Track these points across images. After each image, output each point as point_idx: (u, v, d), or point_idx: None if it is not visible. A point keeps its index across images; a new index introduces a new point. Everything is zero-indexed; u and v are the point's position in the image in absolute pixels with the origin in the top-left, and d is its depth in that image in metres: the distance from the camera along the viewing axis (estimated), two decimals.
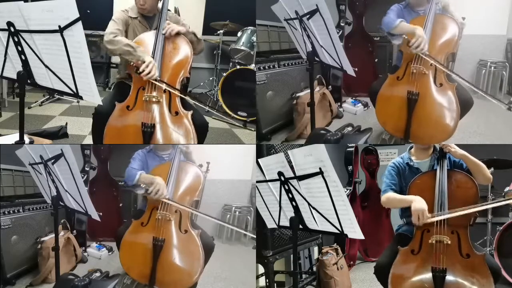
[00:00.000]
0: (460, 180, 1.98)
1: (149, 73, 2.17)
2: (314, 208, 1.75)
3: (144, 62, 2.18)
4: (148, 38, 2.32)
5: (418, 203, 1.90)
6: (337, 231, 1.73)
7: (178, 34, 2.36)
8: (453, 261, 1.87)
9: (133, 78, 2.28)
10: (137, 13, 2.47)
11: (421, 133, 2.39)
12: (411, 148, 2.26)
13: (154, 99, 2.24)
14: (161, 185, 2.20)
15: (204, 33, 5.66)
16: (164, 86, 2.23)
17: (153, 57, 2.23)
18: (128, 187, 2.38)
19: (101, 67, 5.85)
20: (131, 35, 2.43)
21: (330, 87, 3.63)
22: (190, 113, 2.28)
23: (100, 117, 2.33)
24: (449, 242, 1.89)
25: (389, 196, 2.10)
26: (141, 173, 2.28)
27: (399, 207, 2.14)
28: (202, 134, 2.40)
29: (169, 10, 2.48)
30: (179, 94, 2.27)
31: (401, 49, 2.48)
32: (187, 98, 2.30)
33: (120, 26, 2.37)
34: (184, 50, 2.35)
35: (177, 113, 2.27)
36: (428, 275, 1.87)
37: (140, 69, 2.17)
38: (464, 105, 2.42)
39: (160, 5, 2.45)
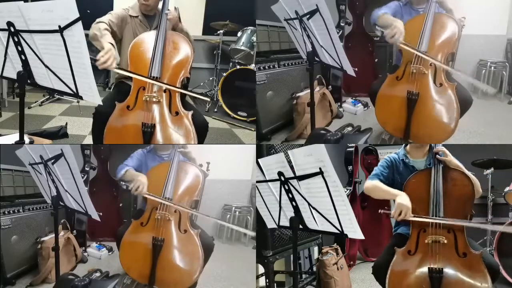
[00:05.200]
0: (455, 178, 1.97)
1: (104, 62, 2.04)
2: (314, 208, 1.75)
3: (103, 49, 2.10)
4: (148, 38, 2.32)
5: (403, 198, 1.90)
6: (337, 231, 1.73)
7: (177, 33, 2.35)
8: (450, 261, 1.87)
9: (134, 78, 2.28)
10: (138, 11, 2.48)
11: (421, 133, 2.39)
12: (406, 145, 2.25)
13: (154, 99, 2.24)
14: (142, 182, 2.22)
15: (204, 33, 5.67)
16: (159, 84, 2.23)
17: (153, 57, 2.23)
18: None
19: None
20: (131, 35, 2.43)
21: (330, 87, 3.63)
22: (190, 113, 2.28)
23: (100, 117, 2.33)
24: (445, 241, 1.89)
25: (375, 184, 2.09)
26: (128, 169, 2.33)
27: (382, 198, 2.13)
28: (202, 134, 2.40)
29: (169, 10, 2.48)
30: (179, 90, 2.26)
31: (400, 48, 2.46)
32: (187, 92, 2.28)
33: (113, 18, 2.36)
34: (184, 50, 2.34)
35: (177, 113, 2.27)
36: (425, 275, 1.86)
37: (97, 57, 2.06)
38: (464, 104, 2.41)
39: (160, 5, 2.45)
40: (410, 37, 2.36)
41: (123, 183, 2.29)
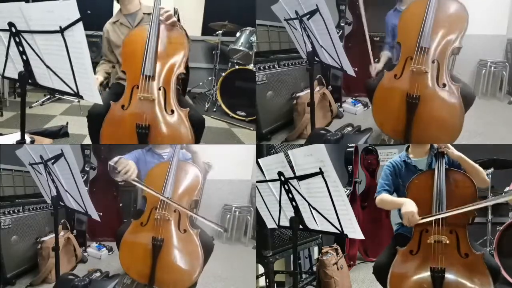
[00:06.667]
0: (458, 179, 1.97)
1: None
2: (314, 208, 1.75)
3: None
4: (140, 34, 2.24)
5: (408, 206, 1.90)
6: (337, 231, 1.73)
7: (170, 28, 2.29)
8: (451, 261, 1.86)
9: (127, 76, 2.26)
10: (118, 15, 2.51)
11: (423, 136, 2.30)
12: (408, 146, 2.24)
13: (149, 98, 2.22)
14: (131, 167, 2.17)
15: (203, 34, 5.68)
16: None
17: (145, 54, 2.19)
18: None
19: None
20: (117, 39, 2.46)
21: (330, 87, 3.64)
22: (186, 110, 2.26)
23: (94, 118, 2.32)
24: (447, 242, 1.88)
25: (382, 198, 2.11)
26: (122, 157, 2.29)
27: (391, 209, 2.14)
28: (199, 130, 2.37)
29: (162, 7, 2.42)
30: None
31: (399, 41, 2.36)
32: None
33: (105, 50, 2.57)
34: (178, 45, 2.27)
35: (173, 111, 2.25)
36: (427, 275, 1.86)
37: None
38: (466, 101, 2.30)
39: (143, 1, 2.46)
40: (410, 26, 2.28)
41: (113, 166, 2.23)
